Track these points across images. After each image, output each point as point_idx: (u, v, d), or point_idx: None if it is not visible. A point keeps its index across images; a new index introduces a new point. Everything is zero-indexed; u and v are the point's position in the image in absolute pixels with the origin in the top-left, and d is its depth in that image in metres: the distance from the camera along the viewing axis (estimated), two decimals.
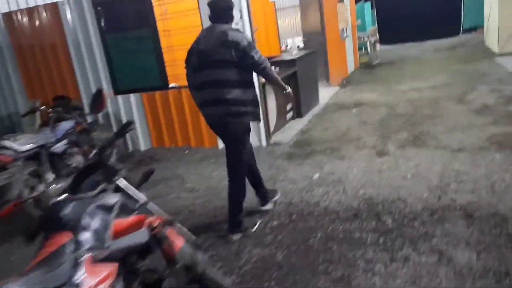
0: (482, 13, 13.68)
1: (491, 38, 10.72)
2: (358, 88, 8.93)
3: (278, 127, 6.08)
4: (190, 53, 3.26)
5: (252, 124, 3.38)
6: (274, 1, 7.83)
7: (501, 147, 4.33)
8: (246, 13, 5.18)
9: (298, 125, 6.43)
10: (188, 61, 3.31)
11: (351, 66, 11.42)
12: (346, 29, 10.98)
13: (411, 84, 8.46)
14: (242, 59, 3.06)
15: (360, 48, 13.20)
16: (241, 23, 5.19)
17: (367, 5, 15.34)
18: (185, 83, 3.45)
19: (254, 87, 3.25)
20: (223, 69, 3.08)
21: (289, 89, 3.42)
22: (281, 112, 6.19)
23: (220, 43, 3.07)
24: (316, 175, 4.28)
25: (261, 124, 5.42)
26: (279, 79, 3.40)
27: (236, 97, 3.10)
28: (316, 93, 7.75)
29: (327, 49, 9.03)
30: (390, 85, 8.67)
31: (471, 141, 4.66)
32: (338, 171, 4.30)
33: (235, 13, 3.36)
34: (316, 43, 9.25)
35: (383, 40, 17.39)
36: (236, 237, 3.28)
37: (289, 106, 6.46)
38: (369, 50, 12.78)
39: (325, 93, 8.54)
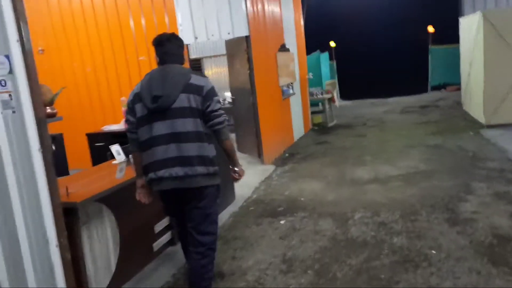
0: (452, 70, 11.77)
1: (474, 104, 8.51)
2: (301, 169, 6.29)
3: (129, 273, 3.22)
4: (135, 100, 2.63)
5: None
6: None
7: None
8: (21, 64, 2.44)
9: (174, 263, 3.58)
10: (131, 111, 2.64)
11: (299, 131, 8.90)
12: (291, 85, 8.55)
13: (373, 168, 5.91)
14: (203, 106, 2.56)
15: (316, 104, 10.87)
16: (12, 83, 2.44)
17: (324, 56, 13.21)
18: None
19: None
20: (187, 119, 2.53)
21: (241, 168, 2.91)
22: (141, 239, 3.36)
23: (181, 87, 2.54)
24: None
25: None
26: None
27: (207, 153, 2.59)
28: (230, 185, 5.00)
29: (258, 114, 6.43)
30: (344, 168, 6.09)
31: None
32: None
33: None
34: (246, 103, 6.67)
35: (343, 95, 15.29)
36: None
37: (161, 224, 3.62)
38: (326, 108, 10.42)
39: (252, 178, 5.83)
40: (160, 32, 6.38)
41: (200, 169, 2.55)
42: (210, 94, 2.57)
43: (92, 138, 4.79)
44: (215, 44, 10.28)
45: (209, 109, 2.55)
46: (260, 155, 6.59)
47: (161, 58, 2.72)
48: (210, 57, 10.84)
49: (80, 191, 2.82)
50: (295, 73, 8.77)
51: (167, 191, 2.63)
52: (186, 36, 6.39)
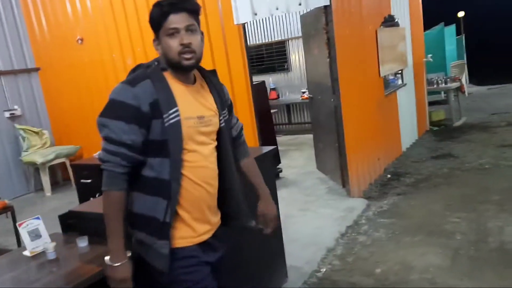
0: None
1: None
2: (408, 210, 4.04)
3: None
4: None
5: None
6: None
7: None
8: None
9: None
10: None
11: (410, 135, 6.49)
12: (400, 72, 6.17)
13: None
14: None
15: (436, 92, 8.23)
16: None
17: (450, 30, 10.17)
18: None
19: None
20: None
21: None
22: None
23: None
24: None
25: None
26: None
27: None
28: (278, 248, 3.01)
29: (343, 121, 4.31)
30: (485, 214, 3.69)
31: None
32: None
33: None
34: (327, 105, 4.62)
35: (474, 79, 11.95)
36: None
37: None
38: (450, 100, 7.71)
39: (326, 226, 3.82)
40: (211, 12, 4.52)
41: None
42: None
43: (78, 171, 3.23)
44: None
45: None
46: (344, 183, 4.49)
47: None
48: (298, 38, 8.80)
49: None
50: (407, 56, 6.31)
51: None
52: (242, 14, 4.53)
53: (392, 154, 5.70)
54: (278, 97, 8.99)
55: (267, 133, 5.12)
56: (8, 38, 6.03)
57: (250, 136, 4.71)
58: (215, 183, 1.59)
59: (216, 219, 1.64)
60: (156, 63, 1.53)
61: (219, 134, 1.61)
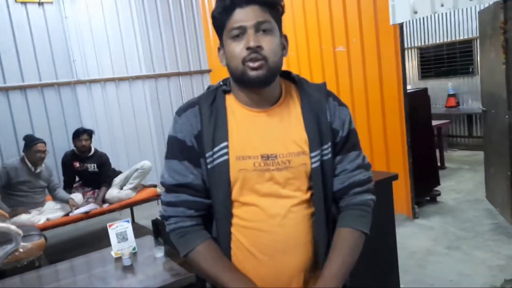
0: None
1: None
2: None
3: None
4: None
5: None
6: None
7: None
8: None
9: None
10: None
11: None
12: None
13: None
14: None
15: None
16: None
17: None
18: None
19: None
20: None
21: None
22: None
23: None
24: None
25: None
26: None
27: None
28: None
29: None
30: None
31: None
32: None
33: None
34: (501, 121, 3.73)
35: None
36: None
37: None
38: None
39: (472, 277, 3.08)
40: (365, 13, 4.20)
41: None
42: None
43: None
44: None
45: None
46: None
47: None
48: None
49: None
50: None
51: None
52: (399, 13, 4.01)
53: None
54: (458, 105, 7.79)
55: (424, 150, 4.43)
56: (188, 44, 6.83)
57: (399, 156, 4.14)
58: (290, 258, 1.08)
59: None
60: (221, 83, 1.19)
61: (311, 181, 1.10)
